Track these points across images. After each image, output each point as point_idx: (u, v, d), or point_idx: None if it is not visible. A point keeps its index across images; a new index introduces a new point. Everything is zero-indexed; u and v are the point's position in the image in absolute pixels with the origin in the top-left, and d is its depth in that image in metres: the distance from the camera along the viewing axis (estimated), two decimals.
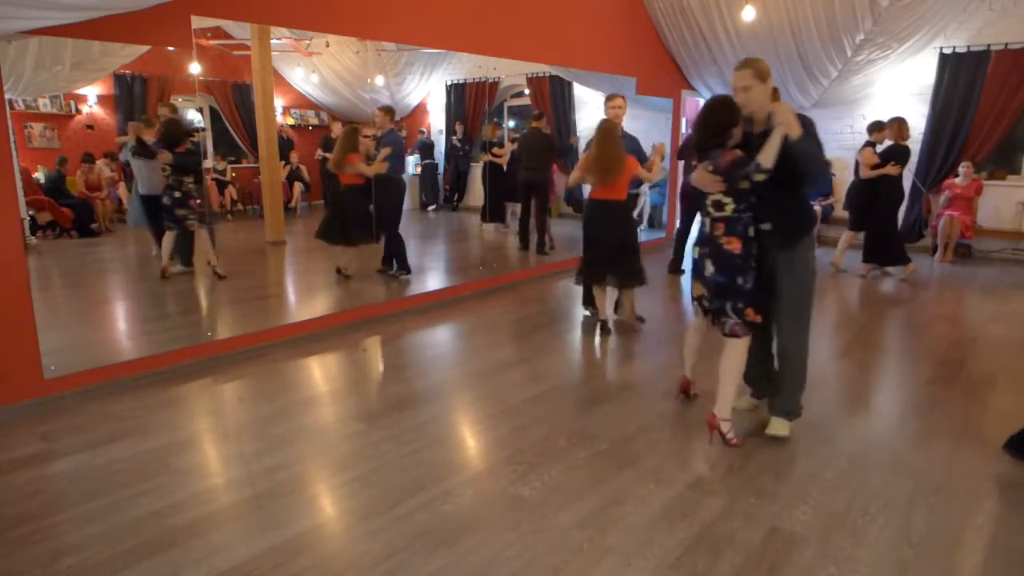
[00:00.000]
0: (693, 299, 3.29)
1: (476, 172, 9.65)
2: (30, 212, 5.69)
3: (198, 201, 5.49)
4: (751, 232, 2.99)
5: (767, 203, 2.98)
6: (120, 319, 5.26)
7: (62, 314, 5.08)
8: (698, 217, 3.65)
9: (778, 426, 3.20)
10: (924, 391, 3.89)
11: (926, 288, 6.67)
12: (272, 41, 7.25)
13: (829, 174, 3.13)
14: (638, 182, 5.17)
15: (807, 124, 2.89)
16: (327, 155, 8.70)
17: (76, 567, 2.26)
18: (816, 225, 3.21)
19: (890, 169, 6.51)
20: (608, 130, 4.60)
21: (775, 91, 3.39)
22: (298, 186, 9.41)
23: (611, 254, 4.77)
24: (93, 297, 5.67)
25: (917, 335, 5.08)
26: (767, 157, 2.81)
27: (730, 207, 2.96)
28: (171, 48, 4.09)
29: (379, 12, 5.06)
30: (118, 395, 3.77)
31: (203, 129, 5.66)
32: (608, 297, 5.15)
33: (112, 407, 3.61)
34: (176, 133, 5.40)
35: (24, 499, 2.69)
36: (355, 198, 6.21)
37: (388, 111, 6.15)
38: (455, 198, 9.94)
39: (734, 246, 2.97)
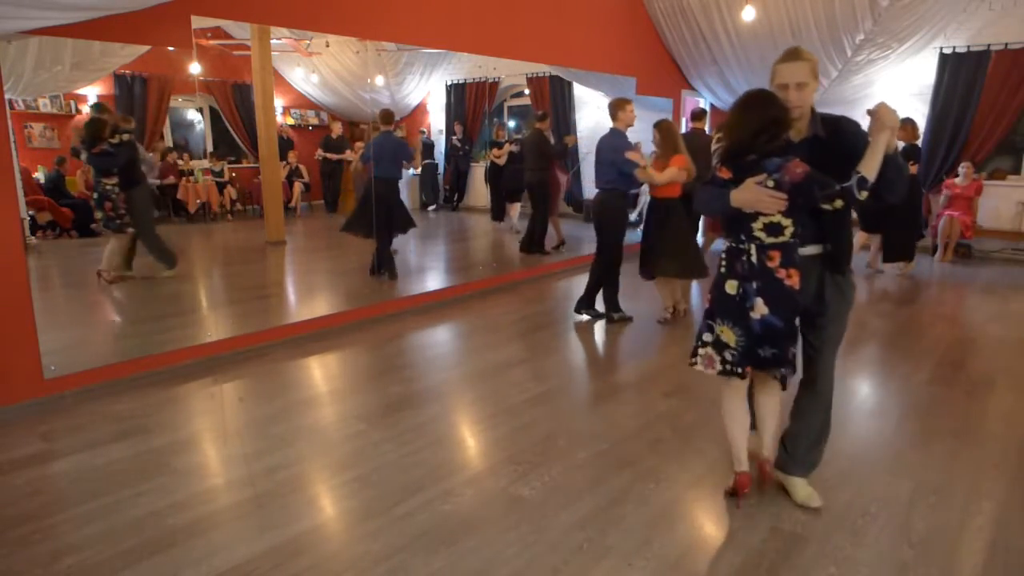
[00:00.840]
0: (720, 353, 2.51)
1: (476, 172, 9.64)
2: (30, 212, 5.67)
3: (109, 205, 5.34)
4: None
5: (823, 222, 2.43)
6: (120, 319, 5.26)
7: (62, 314, 5.08)
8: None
9: (809, 492, 2.62)
10: (924, 391, 3.88)
11: (926, 288, 6.67)
12: (272, 41, 7.24)
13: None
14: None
15: (851, 129, 2.41)
16: (327, 155, 8.70)
17: (76, 567, 2.26)
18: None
19: (912, 168, 6.70)
20: (677, 130, 4.92)
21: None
22: (298, 186, 9.41)
23: (683, 247, 5.05)
24: (93, 297, 5.66)
25: (917, 335, 5.08)
26: (872, 169, 2.24)
27: (789, 231, 2.36)
28: (171, 48, 4.08)
29: (379, 12, 5.06)
30: (118, 395, 3.77)
31: (130, 131, 5.47)
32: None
33: (112, 407, 3.61)
34: (92, 133, 5.19)
35: (24, 499, 2.69)
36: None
37: (381, 115, 6.21)
38: (455, 198, 9.94)
39: (794, 280, 2.37)
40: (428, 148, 9.64)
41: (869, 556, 2.30)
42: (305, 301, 5.97)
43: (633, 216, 9.21)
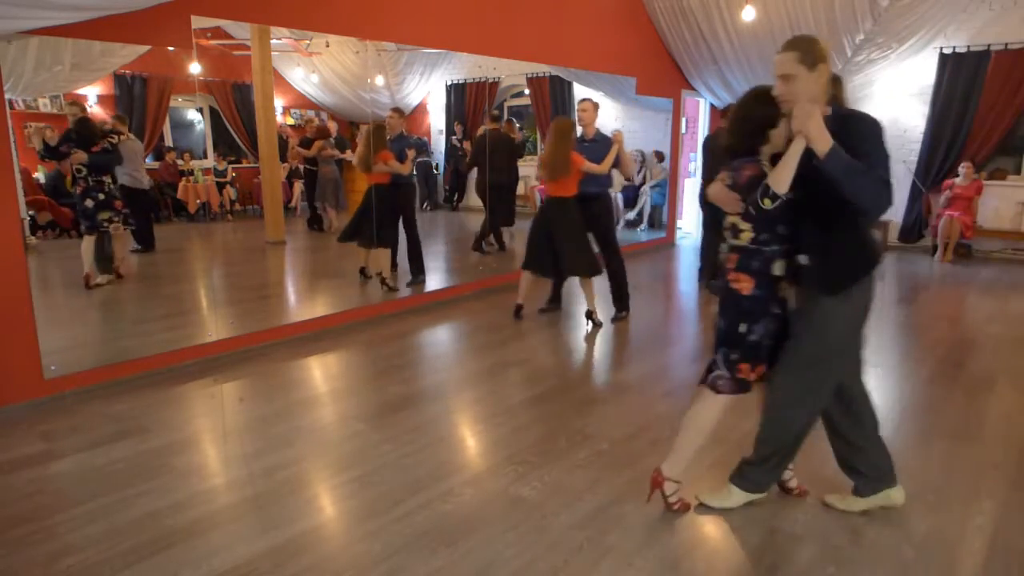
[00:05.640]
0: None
1: (476, 172, 9.66)
2: (30, 212, 5.67)
3: (119, 203, 5.31)
4: (776, 270, 2.32)
5: (808, 232, 2.26)
6: (120, 319, 5.26)
7: (62, 314, 5.08)
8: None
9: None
10: (924, 391, 3.89)
11: (926, 288, 6.67)
12: (272, 41, 7.23)
13: (886, 199, 2.10)
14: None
15: (857, 129, 2.12)
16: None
17: (76, 567, 2.26)
18: (875, 268, 2.29)
19: None
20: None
21: (836, 80, 2.38)
22: (298, 186, 9.41)
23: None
24: (93, 297, 5.66)
25: (917, 335, 5.08)
26: (778, 179, 2.14)
27: (746, 235, 2.31)
28: (171, 48, 4.08)
29: (379, 12, 5.06)
30: (118, 395, 3.77)
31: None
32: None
33: (112, 407, 3.61)
34: (90, 132, 5.13)
35: (24, 499, 2.69)
36: (381, 198, 6.16)
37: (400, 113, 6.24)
38: (455, 198, 9.95)
39: (742, 285, 2.33)
40: (421, 146, 9.67)
41: (869, 556, 2.31)
42: (305, 301, 5.97)
43: (632, 215, 9.23)
